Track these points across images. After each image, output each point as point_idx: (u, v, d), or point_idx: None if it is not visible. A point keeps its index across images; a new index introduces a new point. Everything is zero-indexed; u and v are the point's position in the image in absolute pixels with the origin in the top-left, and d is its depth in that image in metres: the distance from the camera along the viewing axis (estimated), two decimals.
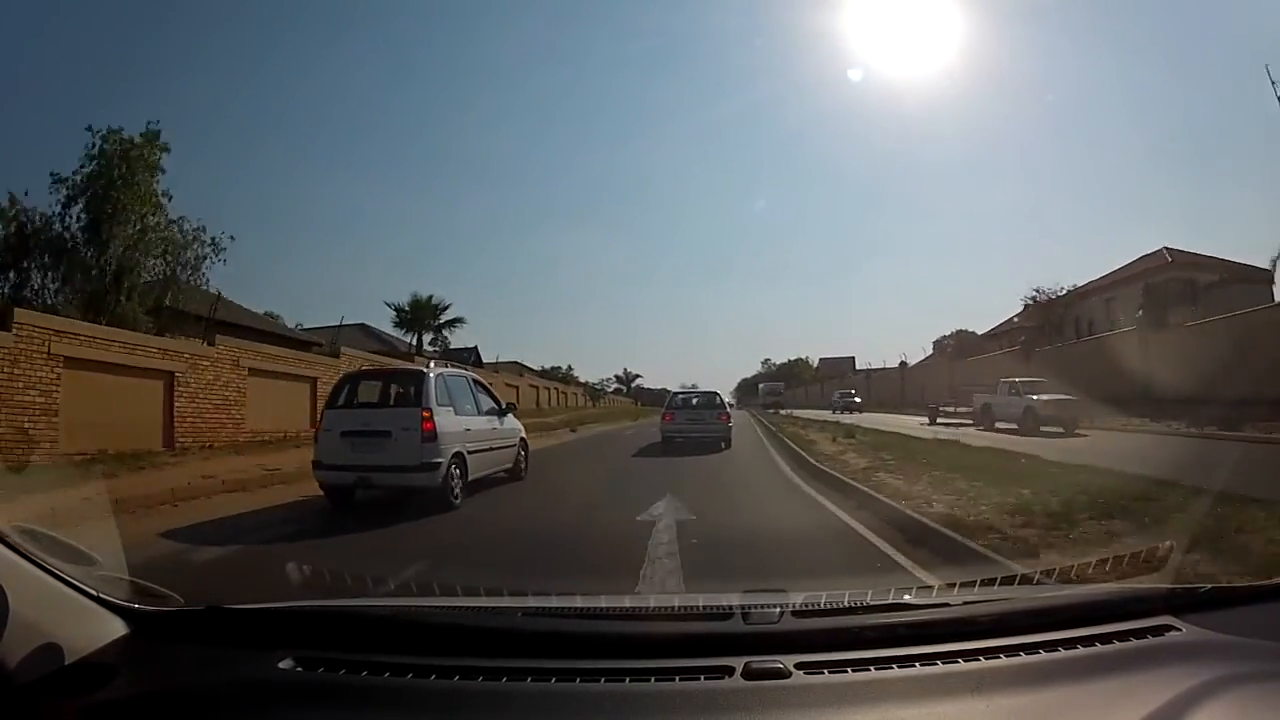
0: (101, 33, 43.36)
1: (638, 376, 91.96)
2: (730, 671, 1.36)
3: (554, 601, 1.99)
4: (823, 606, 1.73)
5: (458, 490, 7.84)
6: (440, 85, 78.55)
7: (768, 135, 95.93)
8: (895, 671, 1.38)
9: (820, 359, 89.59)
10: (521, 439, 10.45)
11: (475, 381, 9.72)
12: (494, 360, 42.90)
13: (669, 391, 24.05)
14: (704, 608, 1.73)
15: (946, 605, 1.78)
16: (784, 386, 67.48)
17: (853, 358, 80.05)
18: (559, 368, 63.01)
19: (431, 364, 8.98)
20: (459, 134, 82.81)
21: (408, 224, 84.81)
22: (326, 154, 74.19)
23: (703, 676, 1.36)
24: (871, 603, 1.77)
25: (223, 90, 57.04)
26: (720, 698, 1.31)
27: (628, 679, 1.36)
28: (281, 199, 66.88)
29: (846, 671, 1.38)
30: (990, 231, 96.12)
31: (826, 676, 1.36)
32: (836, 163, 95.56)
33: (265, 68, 61.46)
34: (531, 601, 2.00)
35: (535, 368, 53.44)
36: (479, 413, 9.07)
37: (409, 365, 9.44)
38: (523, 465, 10.38)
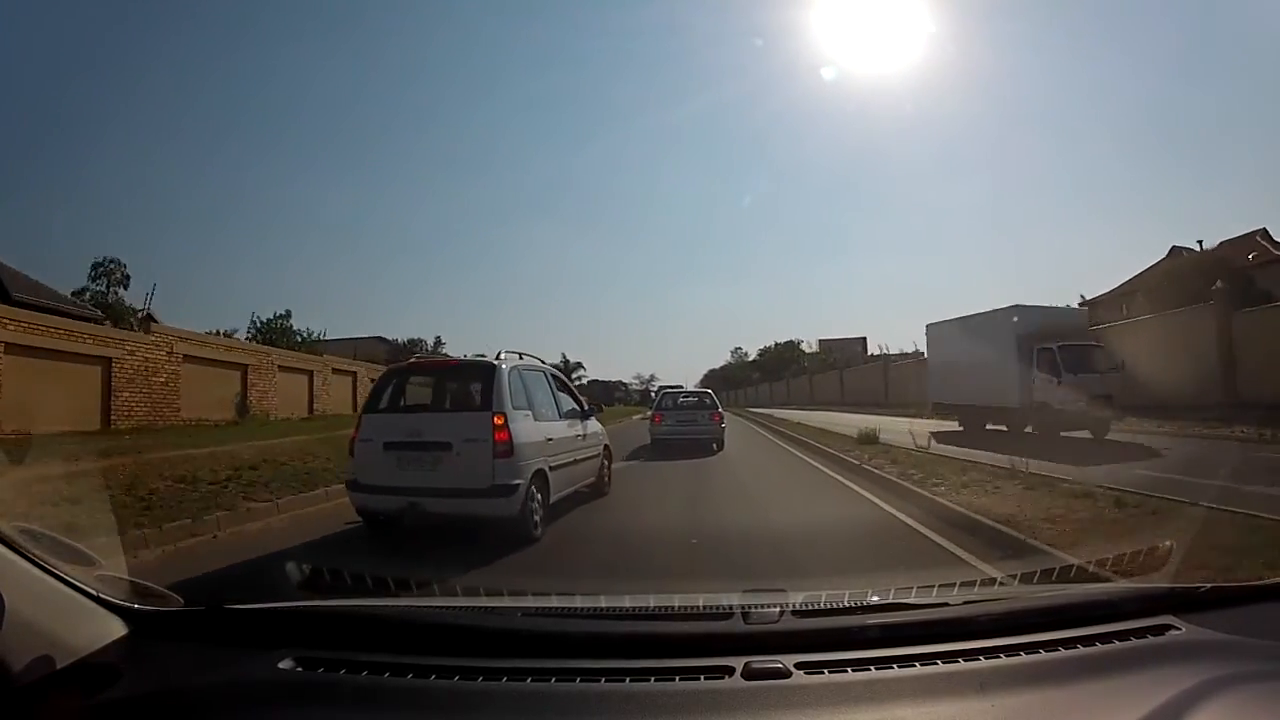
0: None
1: (579, 366, 74.81)
2: (730, 671, 1.36)
3: (554, 601, 2.00)
4: (822, 606, 1.74)
5: (538, 518, 6.12)
6: (405, 81, 76.99)
7: (737, 131, 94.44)
8: (895, 671, 1.38)
9: (820, 340, 72.64)
10: (605, 446, 8.80)
11: (554, 376, 7.87)
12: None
13: (624, 385, 22.45)
14: (704, 608, 1.73)
15: (946, 605, 1.78)
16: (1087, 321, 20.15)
17: (864, 338, 66.47)
18: (419, 341, 47.45)
19: (502, 354, 6.84)
20: (426, 130, 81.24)
21: (371, 218, 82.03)
22: (292, 151, 72.16)
23: (703, 676, 1.36)
24: (871, 602, 1.77)
25: (194, 85, 56.43)
26: (720, 697, 1.31)
27: (628, 679, 1.36)
28: (242, 196, 65.45)
29: (846, 671, 1.38)
30: (984, 228, 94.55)
31: (826, 676, 1.36)
32: (808, 157, 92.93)
33: (229, 66, 60.45)
34: (531, 601, 2.00)
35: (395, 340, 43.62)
36: (559, 416, 7.34)
37: (473, 359, 7.11)
38: (607, 478, 8.68)
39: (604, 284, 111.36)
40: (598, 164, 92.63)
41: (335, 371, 26.30)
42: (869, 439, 13.62)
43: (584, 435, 7.90)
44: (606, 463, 8.70)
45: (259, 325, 33.72)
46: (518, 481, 5.89)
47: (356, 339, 40.82)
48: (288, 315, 35.19)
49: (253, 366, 20.88)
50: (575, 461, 7.46)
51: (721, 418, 16.00)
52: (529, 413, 6.51)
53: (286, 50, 61.40)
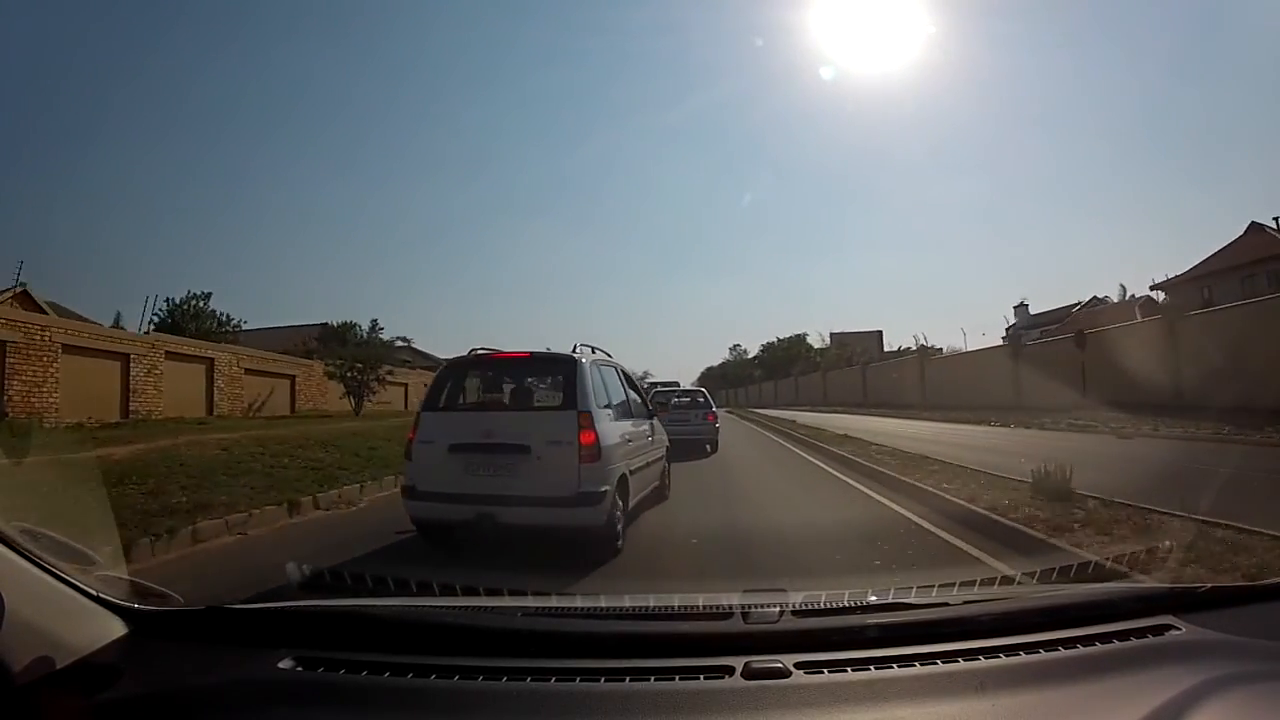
0: None
1: None
2: (730, 671, 1.36)
3: (554, 601, 2.00)
4: (822, 606, 1.74)
5: (620, 527, 5.51)
6: (399, 78, 75.94)
7: (737, 130, 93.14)
8: (895, 671, 1.38)
9: (832, 334, 66.46)
10: (668, 447, 8.37)
11: (624, 373, 7.23)
12: None
13: None
14: (704, 608, 1.73)
15: (946, 605, 1.78)
16: None
17: (879, 332, 62.65)
18: (354, 325, 38.67)
19: (577, 347, 6.15)
20: (418, 127, 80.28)
21: (361, 215, 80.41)
22: (286, 146, 71.01)
23: (703, 676, 1.36)
24: (871, 602, 1.77)
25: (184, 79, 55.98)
26: (720, 697, 1.31)
27: (628, 679, 1.36)
28: (235, 192, 64.44)
29: (846, 671, 1.38)
30: (986, 226, 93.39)
31: (826, 676, 1.36)
32: (807, 155, 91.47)
33: (220, 60, 59.67)
34: (531, 601, 2.00)
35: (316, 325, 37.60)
36: (632, 415, 6.80)
37: (548, 351, 6.38)
38: (668, 481, 8.12)
39: (598, 281, 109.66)
40: (594, 161, 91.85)
41: (171, 357, 19.20)
42: None
43: (652, 435, 7.45)
44: (668, 465, 8.28)
45: (169, 307, 28.48)
46: (605, 488, 5.27)
47: (301, 326, 37.48)
48: (207, 297, 29.92)
49: (15, 345, 14.24)
50: (648, 464, 7.00)
51: (715, 418, 16.19)
52: (610, 412, 5.97)
53: (278, 46, 61.36)
